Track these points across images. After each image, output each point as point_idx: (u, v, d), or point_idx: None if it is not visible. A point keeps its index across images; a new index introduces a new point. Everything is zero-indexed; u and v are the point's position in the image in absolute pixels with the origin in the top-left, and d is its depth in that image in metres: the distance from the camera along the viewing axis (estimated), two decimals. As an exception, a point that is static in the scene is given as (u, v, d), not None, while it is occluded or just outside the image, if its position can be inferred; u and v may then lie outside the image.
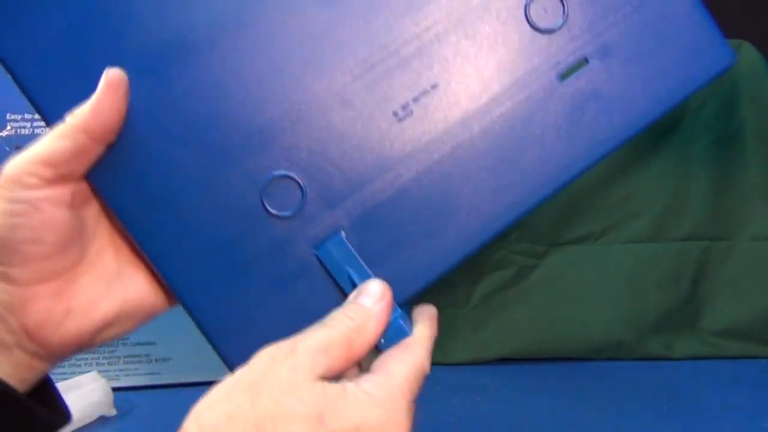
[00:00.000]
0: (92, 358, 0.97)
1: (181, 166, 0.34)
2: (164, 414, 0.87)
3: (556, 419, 0.89)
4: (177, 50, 0.33)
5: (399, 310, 0.32)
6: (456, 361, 1.14)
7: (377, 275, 0.33)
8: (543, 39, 0.32)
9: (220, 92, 0.33)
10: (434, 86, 0.33)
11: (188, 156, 0.34)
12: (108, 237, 0.36)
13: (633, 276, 1.16)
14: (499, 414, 0.90)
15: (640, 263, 1.16)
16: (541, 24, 0.32)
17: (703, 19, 0.32)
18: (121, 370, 0.97)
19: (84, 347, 0.36)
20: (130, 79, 0.33)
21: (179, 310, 0.38)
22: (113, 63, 0.32)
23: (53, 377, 0.39)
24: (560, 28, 0.32)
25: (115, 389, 0.89)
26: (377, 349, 0.31)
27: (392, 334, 0.32)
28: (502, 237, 1.33)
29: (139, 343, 0.97)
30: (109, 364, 0.97)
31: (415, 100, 0.33)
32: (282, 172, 0.33)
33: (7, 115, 1.26)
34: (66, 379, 0.87)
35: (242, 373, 0.29)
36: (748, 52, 1.15)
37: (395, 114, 0.33)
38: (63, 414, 0.35)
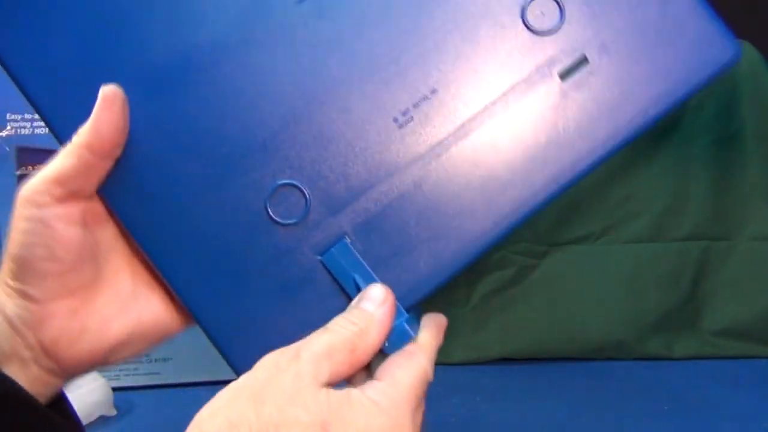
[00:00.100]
0: (92, 358, 0.97)
1: (187, 177, 0.34)
2: (164, 414, 0.87)
3: (556, 419, 0.89)
4: (181, 68, 0.34)
5: (404, 314, 0.33)
6: (456, 361, 1.14)
7: (383, 280, 0.33)
8: (541, 41, 0.32)
9: (223, 105, 0.34)
10: (434, 92, 0.33)
11: (193, 168, 0.34)
12: (125, 258, 0.36)
13: (633, 276, 1.16)
14: (499, 414, 0.90)
15: (640, 263, 1.16)
16: (539, 26, 0.32)
17: (705, 12, 0.32)
18: (121, 370, 0.97)
19: (97, 365, 0.36)
20: (138, 96, 0.33)
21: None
22: (120, 81, 0.33)
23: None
24: (558, 29, 0.32)
25: (115, 389, 0.89)
26: (383, 354, 0.31)
27: (397, 338, 0.32)
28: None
29: (139, 343, 0.97)
30: (109, 364, 0.97)
31: (415, 105, 0.33)
32: (285, 180, 0.33)
33: (7, 115, 1.26)
34: (66, 379, 0.87)
35: (245, 380, 0.29)
36: (748, 52, 1.15)
37: (395, 120, 0.33)
38: (78, 427, 0.36)
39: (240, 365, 0.32)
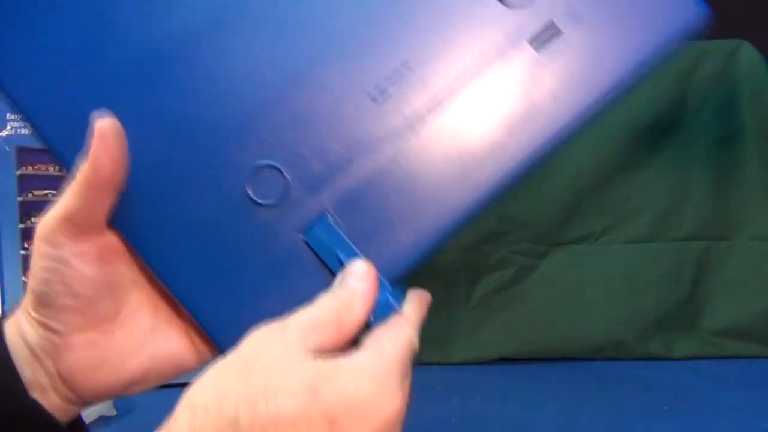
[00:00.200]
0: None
1: (168, 165, 0.34)
2: (164, 414, 0.87)
3: (556, 419, 0.89)
4: (156, 58, 0.34)
5: (388, 287, 0.33)
6: (456, 361, 1.14)
7: (366, 255, 0.33)
8: (514, 13, 0.32)
9: (199, 91, 0.34)
10: (407, 66, 0.33)
11: (174, 155, 0.34)
12: (146, 293, 0.37)
13: (633, 276, 1.16)
14: (499, 414, 0.91)
15: (640, 263, 1.16)
16: None
17: None
18: (121, 370, 0.97)
19: (114, 396, 0.37)
20: (118, 91, 0.33)
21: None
22: (98, 77, 0.33)
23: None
24: (531, 1, 0.32)
25: (115, 389, 0.89)
26: (370, 328, 0.32)
27: (381, 311, 0.32)
28: (501, 237, 1.34)
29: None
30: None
31: (390, 80, 0.33)
32: (264, 161, 0.34)
33: (7, 115, 1.26)
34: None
35: (233, 354, 0.29)
36: (748, 52, 1.15)
37: (370, 95, 0.33)
38: None
39: (229, 347, 0.33)
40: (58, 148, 0.34)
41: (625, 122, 1.17)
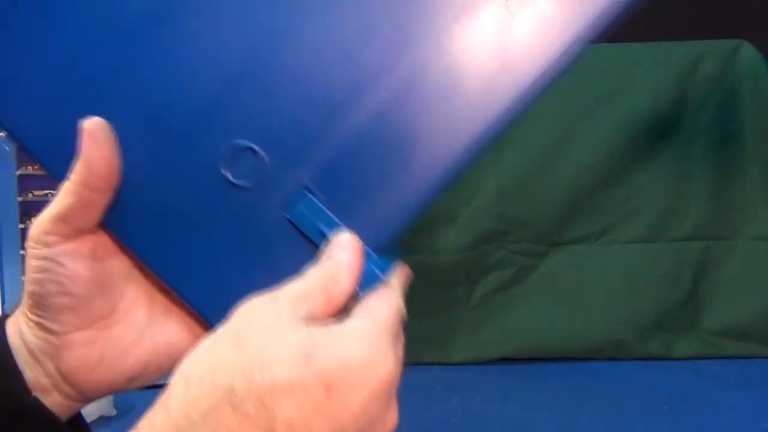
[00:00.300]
0: (92, 358, 0.97)
1: (145, 156, 0.34)
2: (164, 414, 0.87)
3: (556, 419, 0.89)
4: (122, 42, 0.34)
5: (374, 256, 0.33)
6: (456, 361, 1.14)
7: (349, 226, 0.33)
8: None
9: (166, 73, 0.34)
10: (377, 26, 0.33)
11: (149, 142, 0.34)
12: (142, 288, 0.37)
13: (633, 276, 1.16)
14: (499, 414, 0.91)
15: (640, 263, 1.16)
16: None
17: None
18: (121, 370, 0.97)
19: (116, 391, 0.38)
20: (92, 84, 0.34)
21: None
22: (67, 72, 0.34)
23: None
24: None
25: (115, 389, 0.89)
26: (357, 299, 0.32)
27: (367, 281, 0.32)
28: (501, 237, 1.34)
29: (139, 343, 0.97)
30: (109, 364, 0.97)
31: (356, 41, 0.33)
32: (236, 141, 0.34)
33: (7, 115, 1.26)
34: (66, 379, 0.87)
35: (224, 327, 0.30)
36: (748, 52, 1.15)
37: (341, 62, 0.33)
38: None
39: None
40: (45, 160, 0.35)
41: (625, 122, 1.18)
